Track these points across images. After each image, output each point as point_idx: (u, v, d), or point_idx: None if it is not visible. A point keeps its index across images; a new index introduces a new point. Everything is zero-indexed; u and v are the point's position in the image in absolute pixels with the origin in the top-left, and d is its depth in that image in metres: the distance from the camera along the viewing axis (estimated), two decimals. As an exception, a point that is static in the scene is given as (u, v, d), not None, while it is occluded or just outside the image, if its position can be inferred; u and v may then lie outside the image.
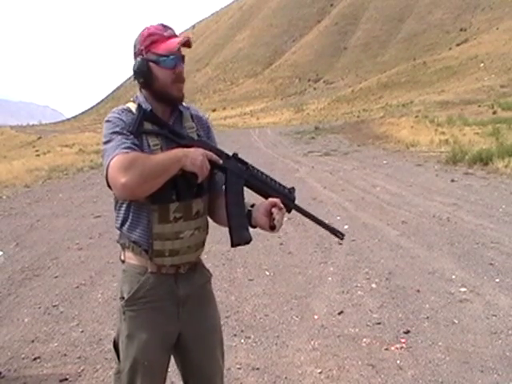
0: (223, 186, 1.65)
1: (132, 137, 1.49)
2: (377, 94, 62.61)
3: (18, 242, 6.29)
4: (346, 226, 6.40)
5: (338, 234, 1.67)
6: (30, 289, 4.56)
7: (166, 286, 1.59)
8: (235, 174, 1.57)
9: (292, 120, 50.62)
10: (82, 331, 3.61)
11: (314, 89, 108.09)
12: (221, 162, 1.56)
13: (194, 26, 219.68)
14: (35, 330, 3.67)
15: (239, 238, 1.55)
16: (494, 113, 25.75)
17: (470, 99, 36.76)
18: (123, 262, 1.63)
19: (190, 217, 1.59)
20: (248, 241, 1.55)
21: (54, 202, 9.38)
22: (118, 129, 1.49)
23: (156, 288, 1.58)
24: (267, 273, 4.77)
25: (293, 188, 1.64)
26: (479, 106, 30.80)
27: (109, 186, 1.50)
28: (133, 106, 1.58)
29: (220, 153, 1.59)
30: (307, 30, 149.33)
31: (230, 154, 1.62)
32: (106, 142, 1.49)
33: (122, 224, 1.60)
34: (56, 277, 4.88)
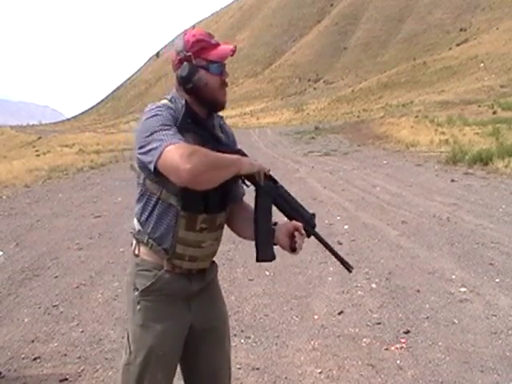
0: (242, 198, 1.73)
1: (179, 134, 1.48)
2: (377, 94, 62.66)
3: (18, 241, 6.28)
4: (346, 226, 6.41)
5: (348, 266, 1.70)
6: (29, 289, 4.56)
7: (181, 283, 1.62)
8: (266, 191, 1.59)
9: (292, 120, 50.66)
10: (82, 331, 3.60)
11: (314, 89, 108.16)
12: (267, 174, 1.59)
13: (194, 26, 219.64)
14: (35, 329, 3.66)
15: (265, 255, 1.58)
16: (494, 113, 25.78)
17: (470, 99, 36.81)
18: (137, 256, 1.63)
19: (213, 228, 1.63)
20: (272, 259, 1.59)
21: (54, 202, 9.37)
22: (168, 122, 1.49)
23: (171, 283, 1.60)
24: (267, 273, 4.77)
25: (313, 214, 1.66)
26: (479, 106, 30.83)
27: (154, 173, 1.45)
28: (171, 104, 1.57)
29: None
30: (307, 30, 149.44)
31: None
32: (154, 132, 1.46)
33: (148, 218, 1.59)
34: (56, 277, 4.87)
